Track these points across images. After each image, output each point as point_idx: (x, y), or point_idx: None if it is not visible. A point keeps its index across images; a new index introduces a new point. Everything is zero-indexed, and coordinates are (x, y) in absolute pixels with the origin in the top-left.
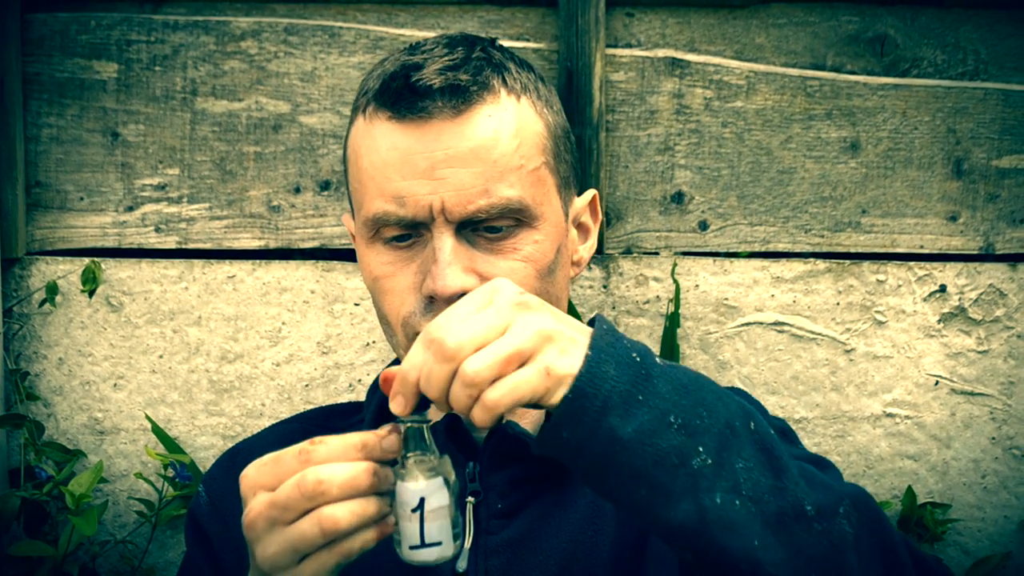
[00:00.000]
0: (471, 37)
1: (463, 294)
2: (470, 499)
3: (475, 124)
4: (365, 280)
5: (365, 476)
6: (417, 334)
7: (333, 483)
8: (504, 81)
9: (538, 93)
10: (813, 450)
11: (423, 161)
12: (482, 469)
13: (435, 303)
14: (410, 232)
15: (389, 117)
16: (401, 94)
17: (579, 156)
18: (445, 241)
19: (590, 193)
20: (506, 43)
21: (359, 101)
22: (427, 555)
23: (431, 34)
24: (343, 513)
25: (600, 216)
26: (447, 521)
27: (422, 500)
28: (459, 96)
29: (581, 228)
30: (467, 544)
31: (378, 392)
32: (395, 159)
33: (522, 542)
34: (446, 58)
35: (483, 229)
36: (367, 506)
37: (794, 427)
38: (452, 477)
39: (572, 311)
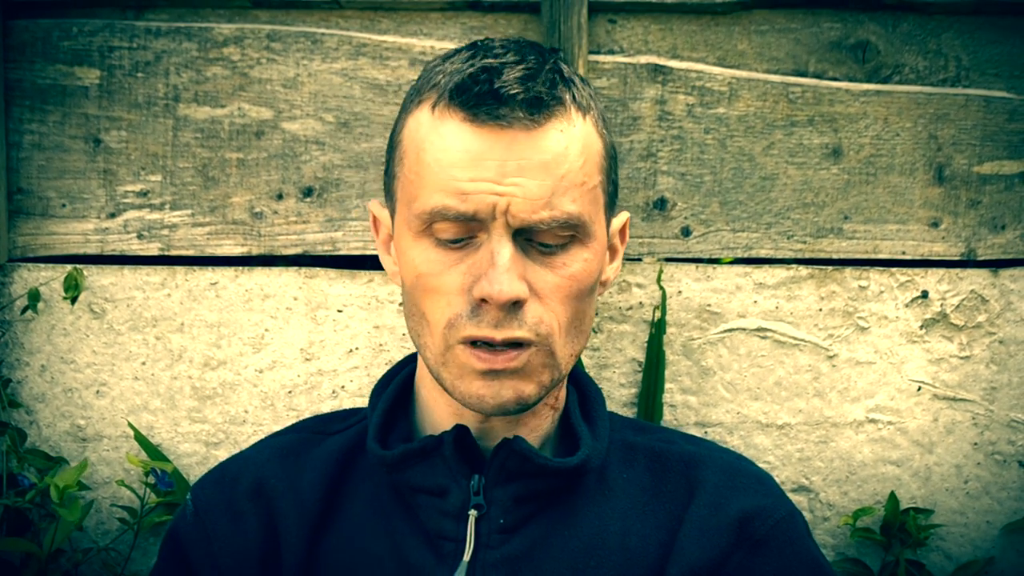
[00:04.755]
0: (536, 45)
1: (516, 302)
2: (472, 512)
3: (548, 138)
4: (403, 275)
5: None
6: (463, 340)
7: None
8: (574, 97)
9: (599, 111)
10: (795, 457)
11: (494, 166)
12: (487, 483)
13: (483, 308)
14: (463, 234)
15: (464, 118)
16: (482, 98)
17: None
18: (504, 245)
19: (625, 216)
20: None
21: (425, 94)
22: None
23: (414, 40)
24: None
25: (627, 238)
26: None
27: None
28: (537, 108)
29: (611, 249)
30: (466, 557)
31: (382, 398)
32: (465, 160)
33: (522, 559)
34: (522, 67)
35: (537, 242)
36: None
37: (777, 433)
38: None
39: None
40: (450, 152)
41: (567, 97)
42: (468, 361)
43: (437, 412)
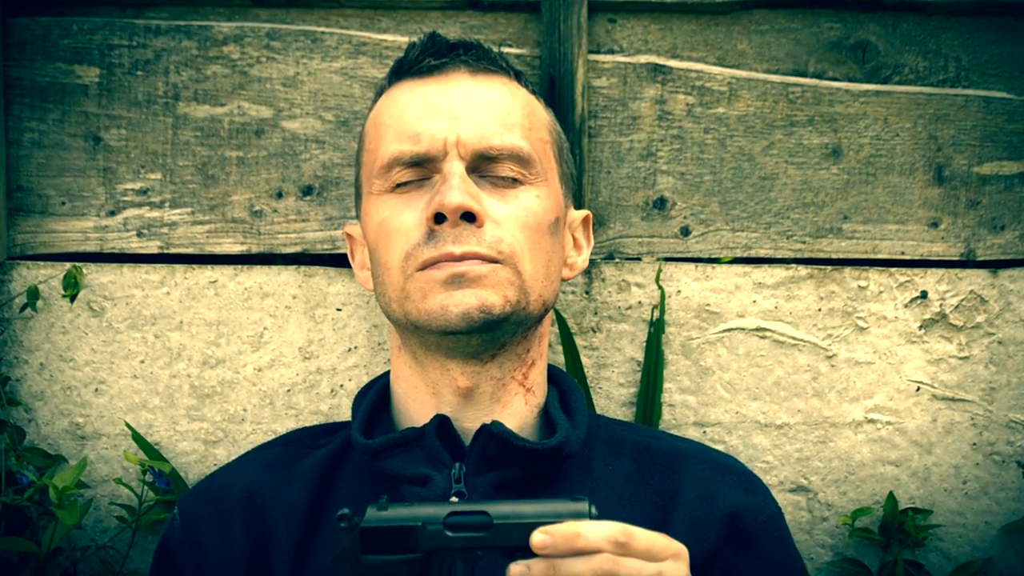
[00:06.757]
0: None
1: (471, 217)
2: (453, 499)
3: (491, 86)
4: (369, 241)
5: None
6: (421, 267)
7: None
8: (518, 75)
9: (545, 104)
10: (794, 457)
11: (443, 106)
12: (467, 471)
13: (437, 232)
14: (420, 175)
15: (412, 78)
16: (424, 52)
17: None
18: (457, 167)
19: (584, 212)
20: None
21: (380, 85)
22: None
23: (414, 40)
24: None
25: (592, 240)
26: None
27: None
28: (478, 53)
29: (575, 242)
30: None
31: (365, 399)
32: (415, 105)
33: None
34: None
35: (490, 176)
36: None
37: (776, 433)
38: None
39: (558, 316)
40: (402, 104)
41: (511, 71)
42: (430, 276)
43: (413, 406)
